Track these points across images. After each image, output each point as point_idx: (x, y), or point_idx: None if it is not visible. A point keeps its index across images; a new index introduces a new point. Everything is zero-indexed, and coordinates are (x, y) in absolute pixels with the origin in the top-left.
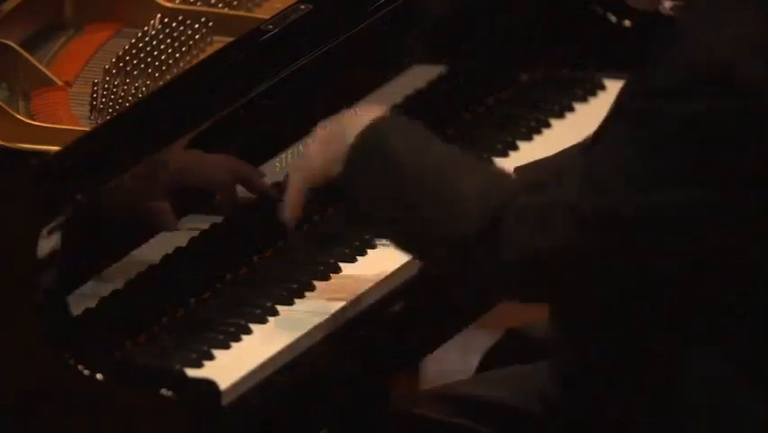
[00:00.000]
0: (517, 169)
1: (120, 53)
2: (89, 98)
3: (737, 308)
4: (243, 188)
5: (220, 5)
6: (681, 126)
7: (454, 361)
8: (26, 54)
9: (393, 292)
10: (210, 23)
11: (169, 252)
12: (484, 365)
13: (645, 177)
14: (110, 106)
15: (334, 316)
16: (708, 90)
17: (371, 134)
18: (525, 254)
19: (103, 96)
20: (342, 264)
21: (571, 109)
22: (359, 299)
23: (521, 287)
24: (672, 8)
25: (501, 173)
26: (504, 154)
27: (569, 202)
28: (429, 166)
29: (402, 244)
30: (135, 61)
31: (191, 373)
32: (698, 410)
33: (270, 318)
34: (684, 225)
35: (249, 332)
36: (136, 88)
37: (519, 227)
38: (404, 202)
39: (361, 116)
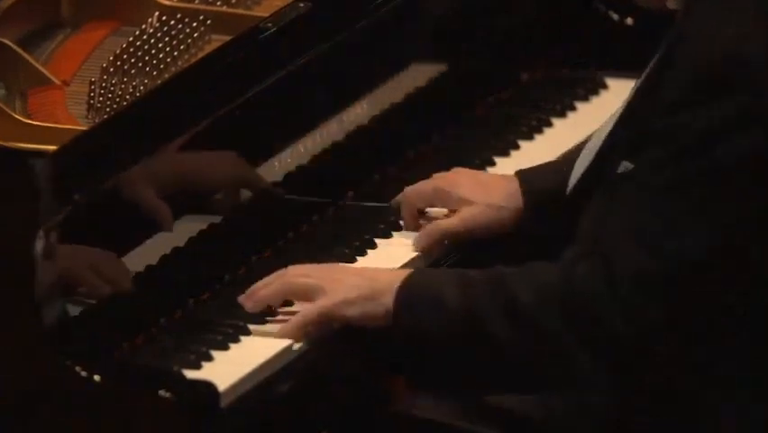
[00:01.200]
0: (518, 172)
1: (118, 52)
2: (87, 97)
3: (737, 308)
4: (242, 188)
5: (218, 3)
6: (700, 148)
7: None
8: (23, 53)
9: None
10: (208, 22)
11: (167, 252)
12: None
13: (684, 221)
14: (108, 105)
15: None
16: (715, 98)
17: (413, 292)
18: (611, 338)
19: (100, 94)
20: (341, 265)
21: (573, 108)
22: None
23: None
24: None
25: (541, 266)
26: (505, 154)
27: (631, 270)
28: (480, 299)
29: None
30: (133, 60)
31: (189, 374)
32: (698, 410)
33: (269, 319)
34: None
35: (247, 333)
36: (134, 87)
37: (593, 311)
38: (472, 342)
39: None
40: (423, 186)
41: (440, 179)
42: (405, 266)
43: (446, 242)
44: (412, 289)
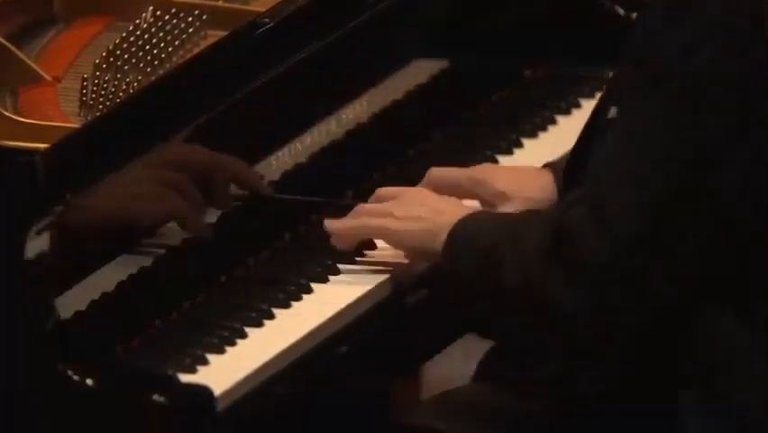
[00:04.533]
0: (549, 165)
1: (111, 47)
2: (79, 94)
3: (753, 266)
4: (239, 187)
5: None
6: (696, 84)
7: (455, 367)
8: (14, 49)
9: (392, 295)
10: (204, 17)
11: (163, 253)
12: (482, 369)
13: (683, 149)
14: (100, 102)
15: (332, 319)
16: (685, 17)
17: (459, 233)
18: (593, 266)
19: (93, 91)
20: (340, 266)
21: (578, 106)
22: (357, 302)
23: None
24: None
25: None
26: (509, 152)
27: (615, 201)
28: (496, 241)
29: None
30: (126, 56)
31: (185, 378)
32: (711, 372)
33: (267, 322)
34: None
35: (244, 336)
36: (127, 84)
37: (579, 241)
38: (494, 275)
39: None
40: (454, 172)
41: (476, 170)
42: (402, 269)
43: None
44: (459, 230)
